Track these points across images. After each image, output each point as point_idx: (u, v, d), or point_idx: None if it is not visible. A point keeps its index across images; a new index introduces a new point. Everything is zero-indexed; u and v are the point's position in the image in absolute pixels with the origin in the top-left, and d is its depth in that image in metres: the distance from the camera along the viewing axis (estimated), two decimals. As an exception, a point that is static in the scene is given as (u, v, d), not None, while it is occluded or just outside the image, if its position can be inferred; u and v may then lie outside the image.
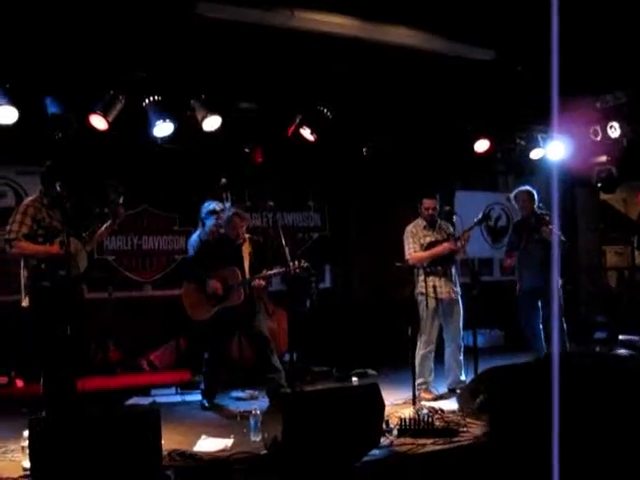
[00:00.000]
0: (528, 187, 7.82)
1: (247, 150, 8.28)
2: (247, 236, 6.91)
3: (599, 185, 10.23)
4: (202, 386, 6.87)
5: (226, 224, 6.87)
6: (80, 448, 3.96)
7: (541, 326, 7.58)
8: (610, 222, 11.73)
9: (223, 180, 7.21)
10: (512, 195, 7.99)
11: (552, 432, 2.13)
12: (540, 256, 7.42)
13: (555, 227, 6.90)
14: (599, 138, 9.07)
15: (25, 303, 5.55)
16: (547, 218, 7.49)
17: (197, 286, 6.73)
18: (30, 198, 5.74)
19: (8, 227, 5.54)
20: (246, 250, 6.85)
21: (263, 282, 6.79)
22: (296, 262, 6.45)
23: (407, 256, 7.00)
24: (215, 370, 6.80)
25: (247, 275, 6.72)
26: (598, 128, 9.03)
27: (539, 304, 7.58)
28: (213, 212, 7.63)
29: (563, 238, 7.52)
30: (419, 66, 7.50)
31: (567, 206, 10.79)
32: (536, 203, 7.69)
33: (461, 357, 7.07)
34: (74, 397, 5.13)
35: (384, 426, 5.13)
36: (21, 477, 4.35)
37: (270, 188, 9.19)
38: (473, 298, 6.86)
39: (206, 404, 6.71)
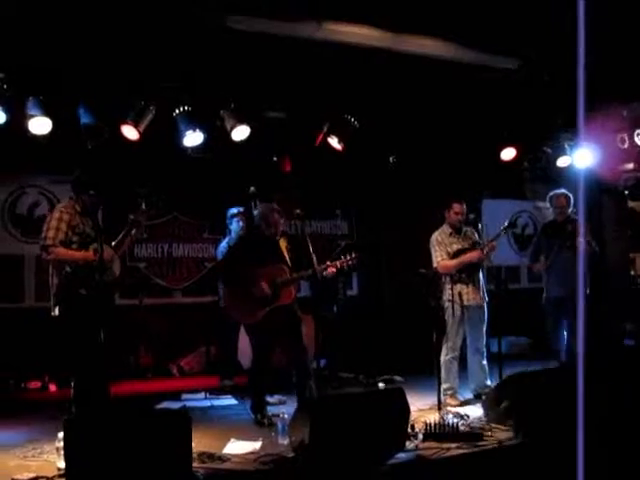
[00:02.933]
0: (565, 190, 7.69)
1: (275, 159, 8.39)
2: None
3: (626, 192, 10.20)
4: (251, 400, 6.43)
5: (263, 220, 6.44)
6: (113, 449, 4.07)
7: (565, 335, 7.55)
8: (638, 229, 11.64)
9: (252, 188, 7.31)
10: (548, 197, 7.85)
11: (577, 436, 2.18)
12: (571, 264, 7.24)
13: (582, 236, 6.93)
14: (626, 146, 9.05)
15: (55, 312, 5.55)
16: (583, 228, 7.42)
17: (243, 289, 6.28)
18: (62, 204, 5.75)
19: (43, 234, 5.52)
20: (283, 245, 6.49)
21: (334, 269, 6.39)
22: (347, 255, 6.40)
23: (435, 264, 7.03)
24: (261, 378, 6.42)
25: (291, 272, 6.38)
26: (625, 136, 9.01)
27: (564, 314, 7.47)
28: (234, 215, 7.80)
29: (597, 249, 7.48)
30: (445, 75, 7.56)
31: (594, 213, 10.75)
32: (571, 207, 7.59)
33: (485, 362, 7.10)
34: (107, 400, 5.24)
35: (410, 430, 5.20)
36: (56, 477, 4.45)
37: (298, 196, 9.30)
38: (498, 305, 6.88)
39: (259, 418, 6.20)
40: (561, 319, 7.54)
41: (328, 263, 6.39)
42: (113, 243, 5.84)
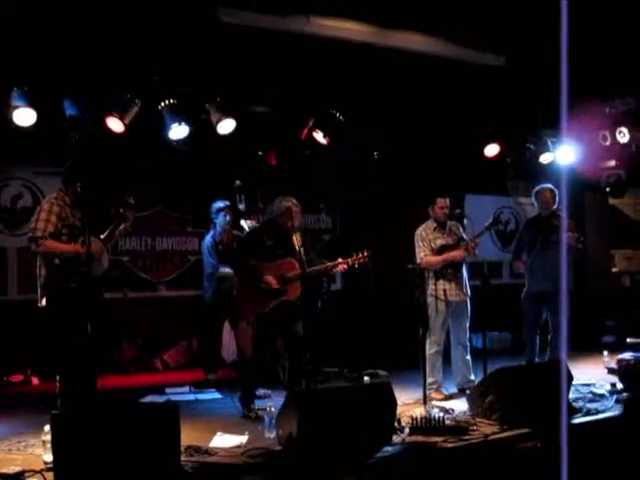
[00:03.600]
0: (550, 185, 7.62)
1: (261, 153, 8.38)
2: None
3: (608, 189, 10.29)
4: (240, 393, 6.40)
5: (281, 215, 6.36)
6: (102, 443, 4.06)
7: (538, 333, 7.59)
8: (618, 226, 11.76)
9: (237, 182, 7.29)
10: (533, 192, 7.79)
11: (560, 429, 2.22)
12: (554, 260, 7.28)
13: (566, 231, 6.98)
14: (608, 143, 9.15)
15: (42, 303, 5.51)
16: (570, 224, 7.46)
17: (253, 280, 6.24)
18: (52, 196, 5.63)
19: (32, 225, 5.44)
20: (296, 240, 6.35)
21: (345, 266, 6.37)
22: (359, 253, 6.33)
23: (418, 260, 7.05)
24: (254, 372, 6.43)
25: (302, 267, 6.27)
26: (607, 133, 9.11)
27: (543, 310, 7.52)
28: (221, 209, 7.77)
29: (580, 246, 7.48)
30: (431, 71, 7.60)
31: (576, 210, 10.83)
32: (557, 203, 7.54)
33: (468, 357, 7.15)
34: (95, 393, 5.22)
35: (396, 424, 5.23)
36: (44, 470, 4.42)
37: (282, 190, 9.29)
38: (482, 300, 6.92)
39: (246, 412, 6.18)
40: (540, 315, 7.57)
41: (340, 260, 6.36)
42: (102, 236, 5.81)
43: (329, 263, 6.35)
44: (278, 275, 6.24)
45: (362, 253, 6.37)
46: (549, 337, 7.51)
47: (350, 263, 6.36)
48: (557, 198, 7.53)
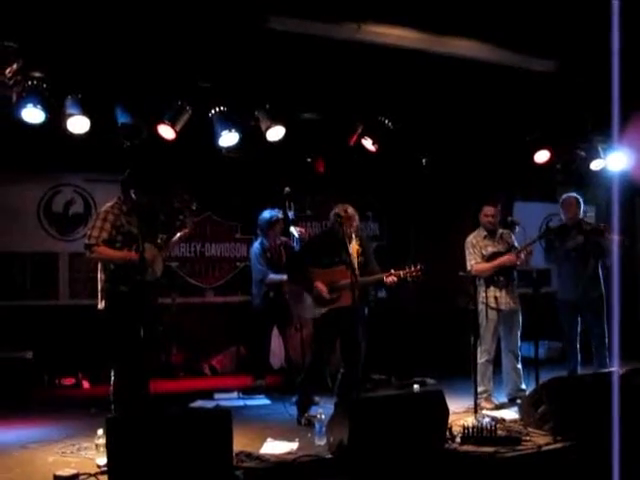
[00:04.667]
0: (574, 193, 7.56)
1: (309, 160, 8.38)
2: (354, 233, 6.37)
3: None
4: (296, 398, 6.45)
5: (334, 222, 6.31)
6: (156, 447, 4.10)
7: (578, 341, 7.42)
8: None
9: (287, 189, 7.28)
10: (560, 200, 7.67)
11: (613, 442, 2.18)
12: (584, 267, 7.25)
13: (615, 236, 6.86)
14: (661, 149, 8.97)
15: (101, 306, 5.63)
16: (601, 226, 7.34)
17: (306, 287, 6.32)
18: (109, 204, 5.74)
19: (88, 232, 5.60)
20: (354, 248, 6.27)
21: (396, 278, 6.25)
22: (412, 266, 6.25)
23: (469, 267, 7.00)
24: (314, 379, 6.38)
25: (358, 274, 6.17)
26: (660, 139, 8.93)
27: (578, 318, 7.37)
28: (275, 221, 7.75)
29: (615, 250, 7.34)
30: (480, 77, 7.52)
31: (627, 217, 10.64)
32: (582, 211, 7.46)
33: (519, 366, 7.07)
34: (148, 398, 5.28)
35: (447, 433, 5.19)
36: (98, 474, 4.47)
37: (330, 197, 9.30)
38: (533, 308, 6.84)
39: (301, 419, 6.18)
40: (577, 323, 7.40)
41: (392, 271, 6.27)
42: (159, 241, 5.88)
43: (380, 274, 6.30)
44: (328, 282, 6.23)
45: (414, 267, 6.27)
46: (593, 347, 7.38)
47: (402, 276, 6.27)
48: (582, 205, 7.46)
